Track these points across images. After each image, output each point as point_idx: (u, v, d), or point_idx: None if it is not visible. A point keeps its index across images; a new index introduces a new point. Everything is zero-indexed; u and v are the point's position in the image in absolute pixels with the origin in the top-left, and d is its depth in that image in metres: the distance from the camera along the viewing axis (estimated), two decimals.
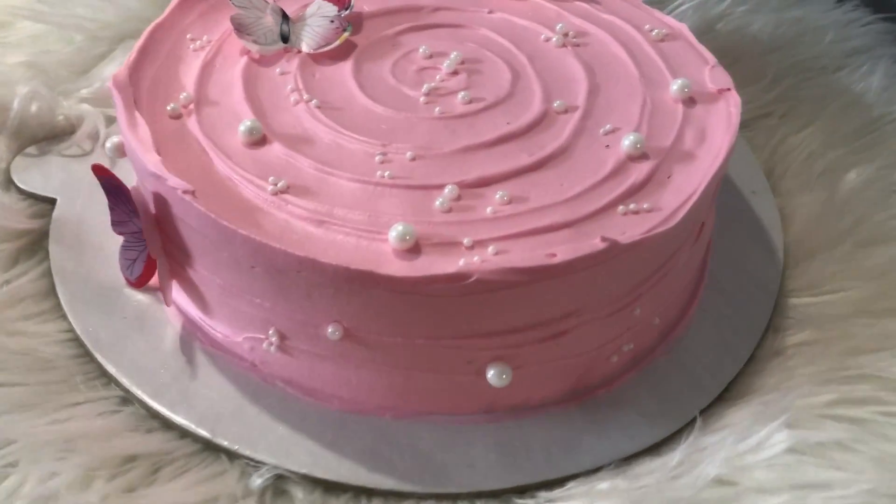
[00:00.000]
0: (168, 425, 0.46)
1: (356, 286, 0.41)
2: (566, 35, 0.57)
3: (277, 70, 0.53)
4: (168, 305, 0.49)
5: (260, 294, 0.44)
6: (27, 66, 0.66)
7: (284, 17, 0.56)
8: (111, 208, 0.49)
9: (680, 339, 0.51)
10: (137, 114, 0.48)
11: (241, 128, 0.48)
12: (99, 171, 0.48)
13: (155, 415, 0.46)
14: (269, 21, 0.56)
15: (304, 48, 0.55)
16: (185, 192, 0.43)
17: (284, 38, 0.55)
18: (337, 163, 0.47)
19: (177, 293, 0.50)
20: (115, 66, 0.69)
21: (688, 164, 0.48)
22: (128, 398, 0.47)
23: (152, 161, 0.45)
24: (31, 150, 0.62)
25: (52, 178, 0.59)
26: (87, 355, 0.49)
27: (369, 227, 0.43)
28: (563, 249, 0.42)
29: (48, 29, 0.69)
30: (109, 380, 0.48)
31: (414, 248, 0.42)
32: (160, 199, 0.45)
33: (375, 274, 0.40)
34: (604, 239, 0.42)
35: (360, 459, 0.45)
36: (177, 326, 0.50)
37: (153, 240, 0.47)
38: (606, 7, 0.60)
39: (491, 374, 0.44)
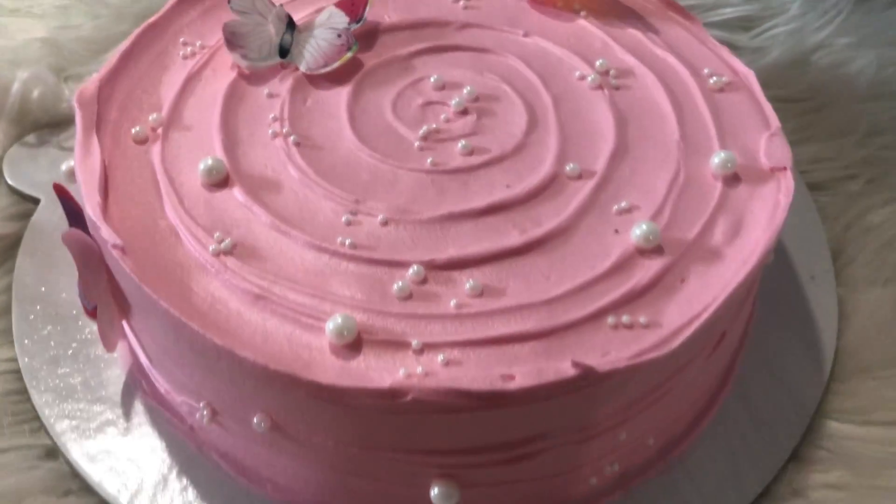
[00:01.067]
0: (87, 489, 0.42)
1: (278, 385, 0.36)
2: (606, 74, 0.48)
3: (266, 91, 0.47)
4: (110, 351, 0.45)
5: (189, 365, 0.39)
6: (43, 41, 0.63)
7: (290, 24, 0.50)
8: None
9: (682, 457, 0.43)
10: (95, 139, 0.43)
11: (201, 166, 0.42)
12: (59, 191, 0.44)
13: (76, 474, 0.43)
14: (270, 30, 0.50)
15: (302, 67, 0.49)
16: (114, 246, 0.38)
17: (283, 52, 0.49)
18: (297, 220, 0.41)
19: (128, 331, 0.46)
20: None
21: (709, 267, 0.39)
22: (53, 451, 0.44)
23: (91, 203, 0.40)
24: (30, 138, 0.58)
25: (41, 174, 0.56)
26: (23, 392, 0.45)
27: (310, 312, 0.37)
28: (524, 371, 0.35)
29: (71, 5, 0.65)
30: (40, 425, 0.44)
31: (353, 345, 0.36)
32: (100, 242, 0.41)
33: (297, 377, 0.35)
34: (575, 364, 0.35)
35: None
36: (123, 370, 0.46)
37: (97, 279, 0.42)
38: (664, 39, 0.51)
39: (435, 492, 0.38)
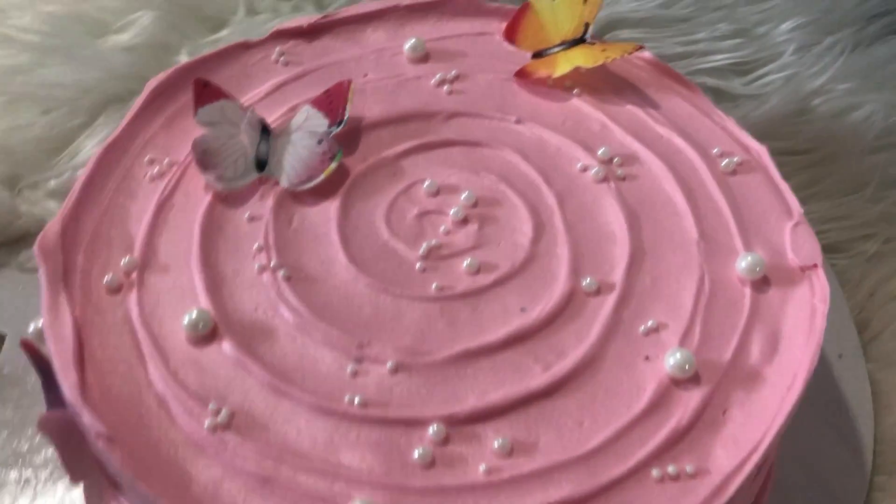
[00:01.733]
0: None
1: None
2: (609, 162, 0.45)
3: (246, 214, 0.43)
4: None
5: None
6: None
7: (264, 131, 0.46)
8: (45, 390, 0.41)
9: None
10: (63, 296, 0.39)
11: (185, 320, 0.38)
12: (28, 349, 0.40)
13: None
14: (244, 141, 0.46)
15: (283, 182, 0.45)
16: (98, 434, 0.34)
17: (261, 165, 0.45)
18: (298, 375, 0.37)
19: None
20: (95, 144, 0.61)
21: (750, 393, 0.36)
22: None
23: (68, 382, 0.36)
24: None
25: (4, 304, 0.51)
26: None
27: (325, 495, 0.34)
28: None
29: (18, 99, 0.60)
30: None
31: None
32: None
33: None
34: None
35: None
36: None
37: (81, 458, 0.38)
38: (666, 114, 0.48)
39: None
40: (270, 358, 0.38)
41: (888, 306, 0.49)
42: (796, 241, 0.41)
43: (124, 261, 0.41)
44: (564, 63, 0.49)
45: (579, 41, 0.50)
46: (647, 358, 0.38)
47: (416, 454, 0.35)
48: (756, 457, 0.34)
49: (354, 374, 0.37)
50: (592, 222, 0.43)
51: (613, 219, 0.43)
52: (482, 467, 0.34)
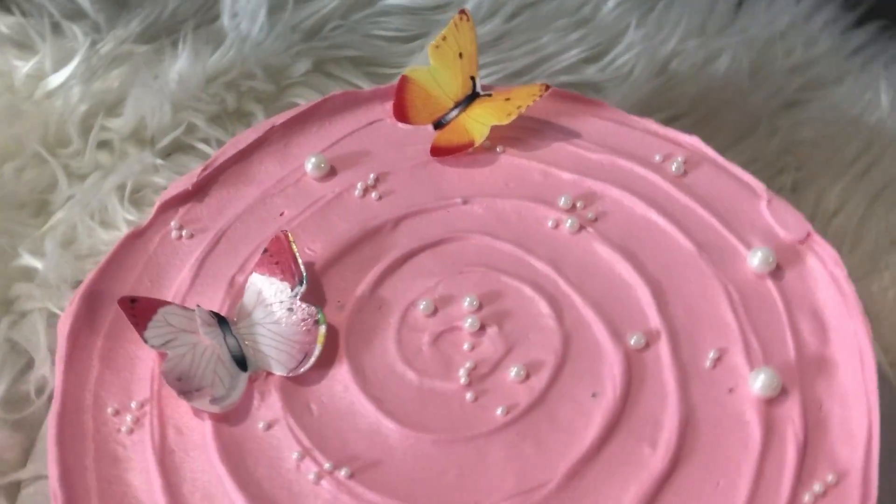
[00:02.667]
0: None
1: None
2: (574, 209, 0.44)
3: (261, 425, 0.38)
4: None
5: None
6: None
7: (222, 323, 0.41)
8: None
9: None
10: None
11: None
12: None
13: None
14: (209, 345, 0.40)
15: (278, 370, 0.40)
16: None
17: (241, 362, 0.40)
18: None
19: None
20: None
21: (831, 378, 0.38)
22: None
23: None
24: None
25: None
26: None
27: None
28: None
29: None
30: None
31: None
32: None
33: None
34: None
35: None
36: None
37: None
38: (591, 139, 0.48)
39: None
40: None
41: (832, 224, 0.52)
42: (779, 218, 0.43)
43: None
44: (477, 125, 0.47)
45: (473, 97, 0.49)
46: (730, 391, 0.38)
47: None
48: (876, 436, 0.36)
49: None
50: (596, 275, 0.42)
51: (615, 263, 0.42)
52: None
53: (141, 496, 0.37)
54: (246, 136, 0.48)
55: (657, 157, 0.46)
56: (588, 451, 0.36)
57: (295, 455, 0.37)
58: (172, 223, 0.46)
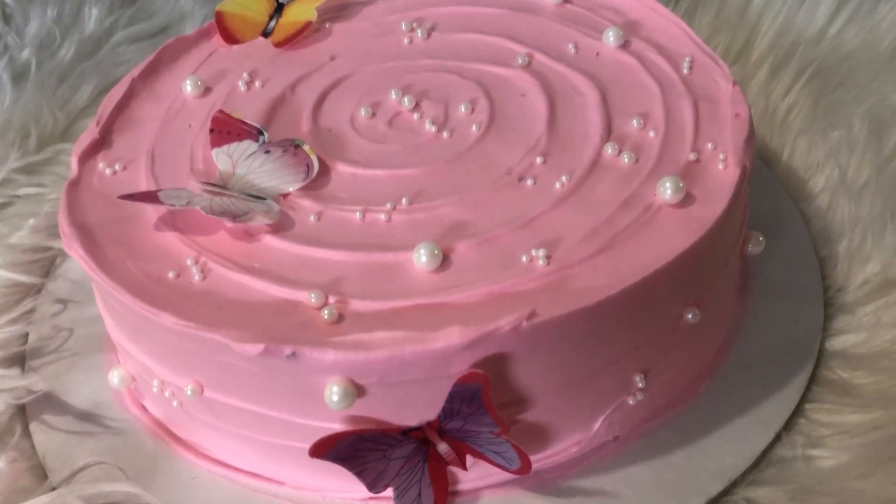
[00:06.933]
0: None
1: None
2: (413, 29, 0.55)
3: (312, 217, 0.43)
4: None
5: None
6: None
7: (215, 185, 0.44)
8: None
9: None
10: None
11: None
12: None
13: None
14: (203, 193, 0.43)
15: (292, 188, 0.44)
16: None
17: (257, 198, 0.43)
18: None
19: None
20: None
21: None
22: None
23: None
24: None
25: None
26: None
27: None
28: None
29: None
30: None
31: None
32: None
33: None
34: None
35: None
36: None
37: None
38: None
39: None
40: None
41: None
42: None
43: None
44: (302, 12, 0.55)
45: (280, 7, 0.57)
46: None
47: None
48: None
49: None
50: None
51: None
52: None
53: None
54: (115, 92, 0.51)
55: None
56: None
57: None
58: (100, 165, 0.47)
